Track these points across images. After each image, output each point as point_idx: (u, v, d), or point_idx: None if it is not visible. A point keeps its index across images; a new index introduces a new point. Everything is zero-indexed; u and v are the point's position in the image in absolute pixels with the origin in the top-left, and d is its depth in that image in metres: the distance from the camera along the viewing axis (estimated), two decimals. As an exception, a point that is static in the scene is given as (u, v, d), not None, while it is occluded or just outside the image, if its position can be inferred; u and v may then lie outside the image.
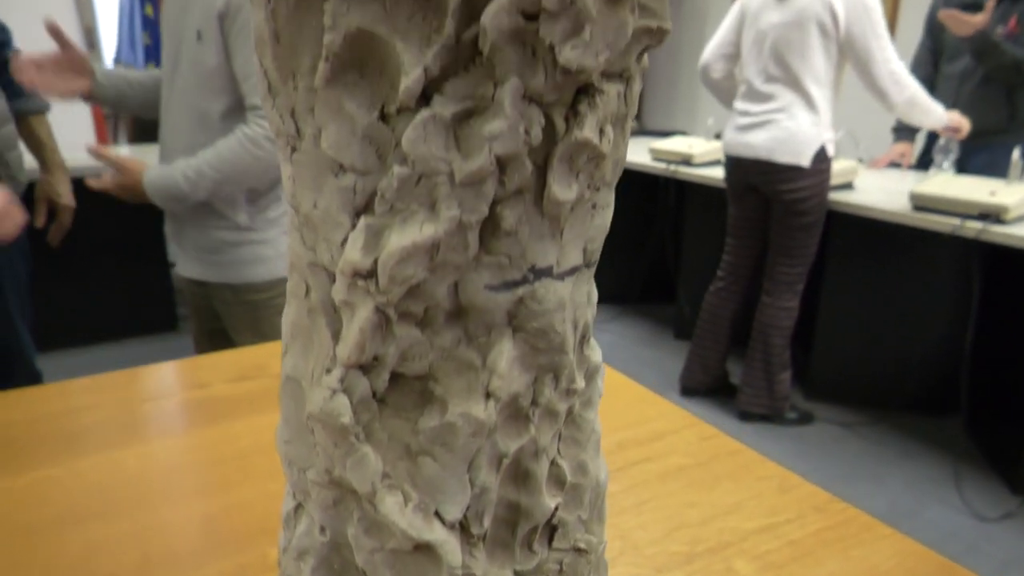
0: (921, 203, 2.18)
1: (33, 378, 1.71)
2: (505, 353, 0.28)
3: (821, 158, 2.23)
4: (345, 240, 0.27)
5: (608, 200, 0.30)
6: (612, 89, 0.26)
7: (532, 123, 0.25)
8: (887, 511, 2.12)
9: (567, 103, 0.25)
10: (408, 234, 0.25)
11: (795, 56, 2.14)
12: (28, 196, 1.67)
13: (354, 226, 0.26)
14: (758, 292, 2.57)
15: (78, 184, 2.89)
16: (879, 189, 2.55)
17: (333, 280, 0.28)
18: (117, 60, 4.37)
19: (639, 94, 0.28)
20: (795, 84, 2.17)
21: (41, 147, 1.78)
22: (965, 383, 2.37)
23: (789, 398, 2.57)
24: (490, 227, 0.26)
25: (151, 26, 4.59)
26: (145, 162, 1.37)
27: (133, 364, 3.12)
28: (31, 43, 1.71)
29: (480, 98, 0.24)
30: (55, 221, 1.83)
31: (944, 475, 2.30)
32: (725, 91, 2.49)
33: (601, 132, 0.26)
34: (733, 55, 2.42)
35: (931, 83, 2.77)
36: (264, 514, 0.60)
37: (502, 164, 0.25)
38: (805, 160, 2.20)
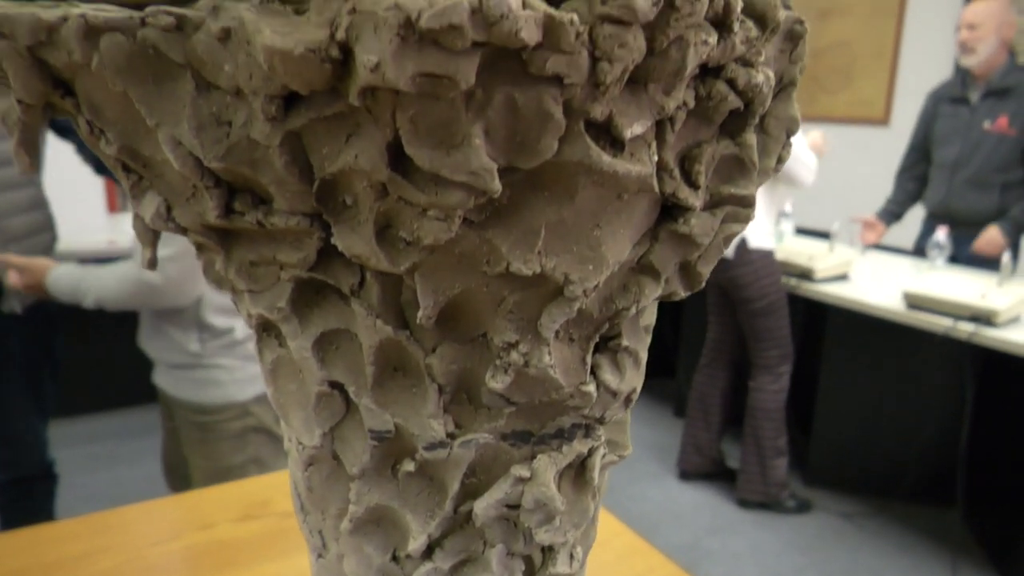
0: (914, 302, 2.24)
1: (46, 467, 1.76)
2: None
3: (744, 250, 2.33)
4: (362, 636, 0.32)
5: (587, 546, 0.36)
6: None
7: (514, 571, 0.31)
8: (884, 610, 2.13)
9: (544, 538, 0.31)
10: (413, 655, 0.31)
11: None
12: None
13: (369, 629, 0.32)
14: (744, 374, 2.62)
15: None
16: (874, 279, 2.61)
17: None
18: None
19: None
20: None
21: None
22: (962, 475, 2.40)
23: (787, 486, 2.59)
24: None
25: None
26: (49, 263, 1.49)
27: (139, 434, 3.16)
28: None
29: (473, 551, 0.30)
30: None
31: (943, 571, 2.31)
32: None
33: (571, 556, 0.32)
34: None
35: (924, 175, 2.86)
36: None
37: (490, 601, 0.31)
38: (729, 252, 2.32)
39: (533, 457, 0.29)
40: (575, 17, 0.19)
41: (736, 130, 0.27)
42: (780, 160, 0.30)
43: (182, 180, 0.25)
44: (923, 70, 3.53)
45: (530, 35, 0.19)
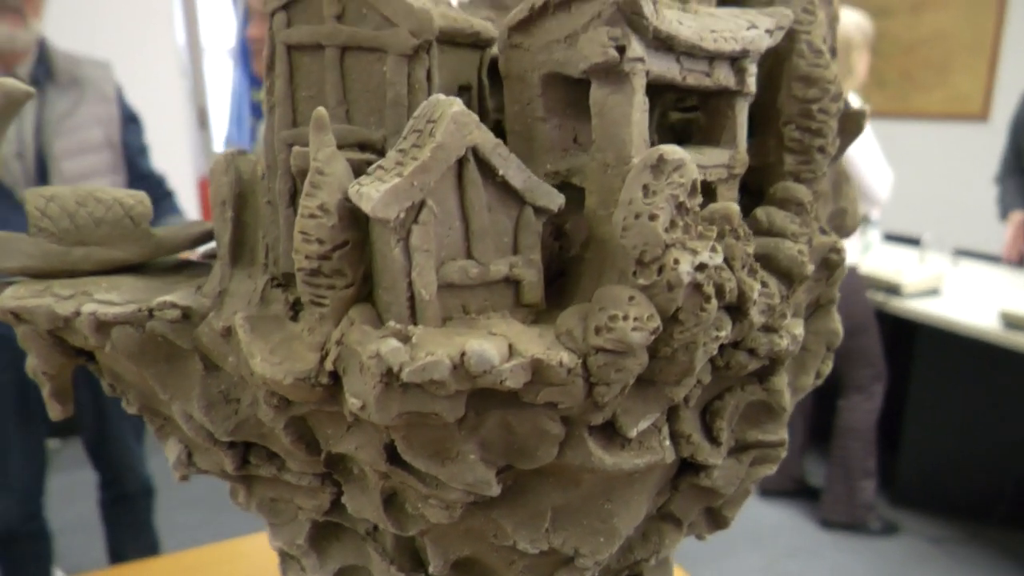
0: (1011, 322, 2.09)
1: (144, 483, 1.86)
2: None
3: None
4: None
5: None
6: None
7: None
8: (978, 649, 2.01)
9: None
10: None
11: None
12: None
13: None
14: (827, 389, 2.51)
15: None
16: (968, 294, 2.46)
17: None
18: (228, 140, 4.69)
19: None
20: None
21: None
22: (1067, 504, 2.23)
23: (873, 508, 2.48)
24: None
25: (259, 111, 4.88)
26: None
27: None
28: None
29: None
30: None
31: (1044, 606, 2.16)
32: None
33: None
34: None
35: (1025, 179, 2.67)
36: None
37: None
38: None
39: None
40: (564, 358, 0.18)
41: (764, 375, 0.25)
42: (819, 375, 0.29)
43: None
44: (1026, 62, 3.28)
45: (517, 381, 0.18)
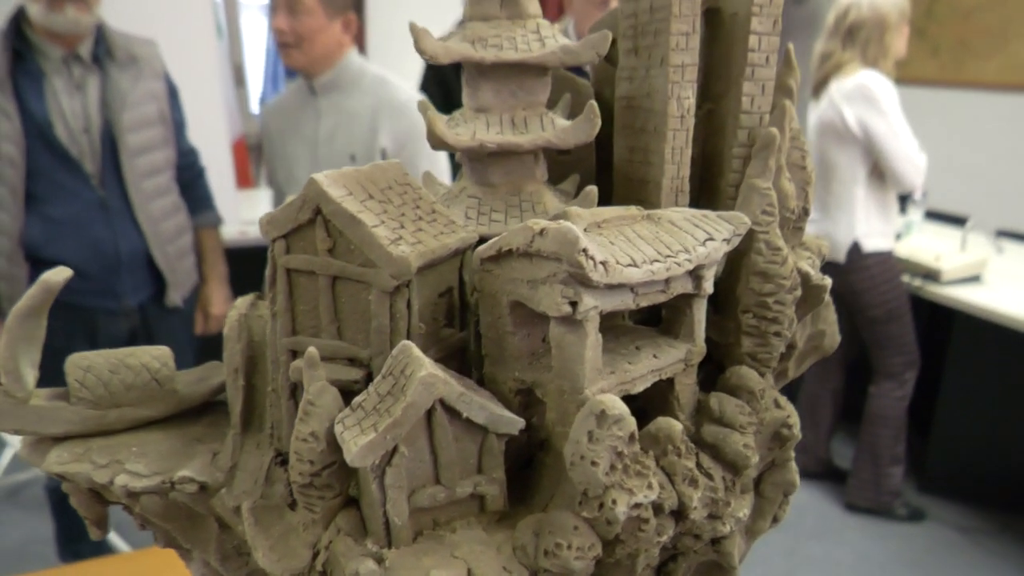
0: (1053, 314, 2.05)
1: None
2: None
3: (857, 255, 2.18)
4: None
5: None
6: None
7: None
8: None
9: None
10: None
11: (822, 163, 2.13)
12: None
13: None
14: (859, 372, 2.50)
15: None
16: (1012, 281, 2.40)
17: None
18: (262, 99, 4.73)
19: None
20: (826, 188, 2.16)
21: (203, 260, 1.93)
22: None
23: (900, 495, 2.48)
24: None
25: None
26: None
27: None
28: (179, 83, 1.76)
29: None
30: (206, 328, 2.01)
31: (1072, 598, 2.16)
32: None
33: None
34: None
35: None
36: None
37: None
38: (840, 256, 2.18)
39: None
40: (516, 581, 0.21)
41: (715, 539, 0.28)
42: (776, 519, 0.31)
43: (218, 564, 0.30)
44: (1093, 28, 3.12)
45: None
